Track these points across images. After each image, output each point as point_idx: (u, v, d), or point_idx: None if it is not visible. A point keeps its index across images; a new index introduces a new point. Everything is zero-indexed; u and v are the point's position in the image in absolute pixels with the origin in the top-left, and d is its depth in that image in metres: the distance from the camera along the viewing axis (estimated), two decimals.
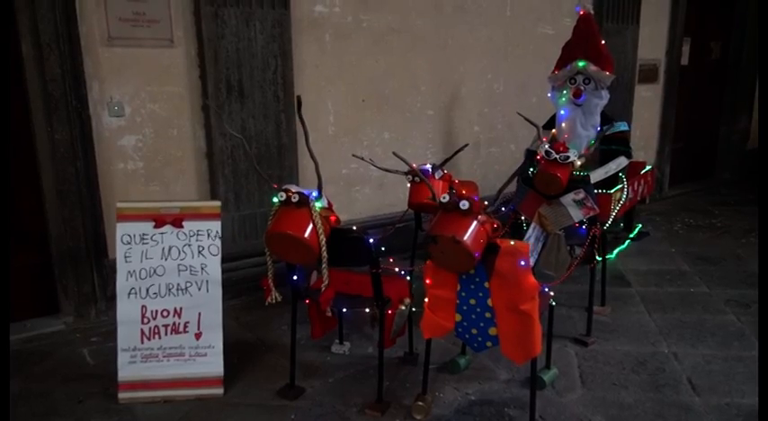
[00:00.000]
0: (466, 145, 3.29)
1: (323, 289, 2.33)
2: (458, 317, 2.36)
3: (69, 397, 2.65)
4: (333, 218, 2.29)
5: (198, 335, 2.68)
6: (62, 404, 2.59)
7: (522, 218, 3.26)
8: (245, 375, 2.83)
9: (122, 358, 2.63)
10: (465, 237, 1.98)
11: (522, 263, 2.11)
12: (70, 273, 3.42)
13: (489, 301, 2.26)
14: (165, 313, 2.67)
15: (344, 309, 2.70)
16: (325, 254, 2.22)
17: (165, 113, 3.62)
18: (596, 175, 3.92)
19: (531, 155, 4.40)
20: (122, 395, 2.62)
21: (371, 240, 2.42)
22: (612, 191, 4.13)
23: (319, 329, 2.80)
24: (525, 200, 3.21)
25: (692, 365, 2.92)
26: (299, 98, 2.47)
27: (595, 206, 3.01)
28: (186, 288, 2.68)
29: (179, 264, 2.68)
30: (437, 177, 3.23)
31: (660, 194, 6.35)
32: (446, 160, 3.26)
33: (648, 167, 4.87)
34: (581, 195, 2.99)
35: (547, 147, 2.95)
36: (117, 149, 3.50)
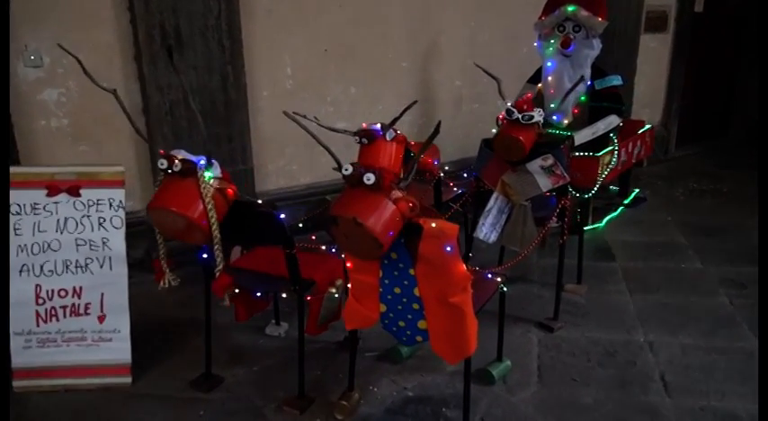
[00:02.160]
0: (414, 102, 2.86)
1: (216, 274, 1.99)
2: (382, 308, 2.01)
3: None
4: (230, 190, 1.92)
5: (101, 318, 2.37)
6: None
7: (486, 186, 2.86)
8: (163, 361, 2.54)
9: (16, 343, 2.34)
10: (369, 219, 1.60)
11: (448, 248, 1.74)
12: None
13: (416, 291, 1.90)
14: (62, 293, 2.36)
15: (258, 294, 2.36)
16: (216, 233, 1.86)
17: (92, 64, 3.15)
18: (582, 136, 3.49)
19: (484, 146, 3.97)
20: (17, 383, 2.35)
21: (283, 216, 2.06)
22: (600, 154, 3.72)
23: (243, 312, 2.48)
24: (487, 166, 2.80)
25: (668, 358, 2.55)
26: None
27: (566, 174, 2.60)
28: (86, 265, 2.36)
29: (77, 238, 2.35)
30: (388, 138, 2.83)
31: (665, 155, 5.86)
32: (395, 119, 2.84)
33: (647, 126, 4.40)
34: (549, 161, 2.58)
35: (508, 105, 2.52)
36: (37, 104, 3.14)
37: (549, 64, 3.79)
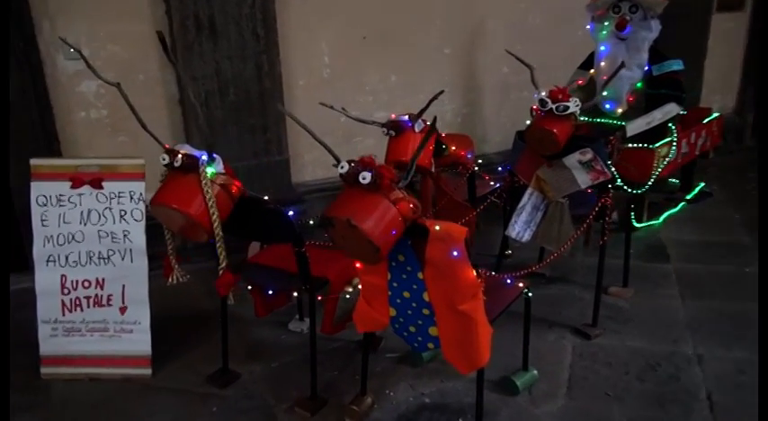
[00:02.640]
0: (441, 91, 2.70)
1: (220, 272, 1.94)
2: (392, 312, 1.90)
3: None
4: (234, 186, 1.86)
5: (123, 310, 2.39)
6: None
7: (521, 181, 2.67)
8: (184, 354, 2.54)
9: (43, 330, 2.40)
10: (364, 221, 1.49)
11: (455, 253, 1.60)
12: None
13: (425, 296, 1.78)
14: (86, 284, 2.39)
15: (270, 292, 2.30)
16: (218, 230, 1.81)
17: (129, 55, 3.26)
18: (635, 126, 3.23)
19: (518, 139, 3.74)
20: (45, 370, 2.41)
21: (291, 213, 1.98)
22: (656, 145, 3.44)
23: (262, 307, 2.44)
24: (521, 159, 2.62)
25: (717, 374, 2.31)
26: (159, 33, 1.92)
27: (606, 170, 2.38)
28: (109, 257, 2.38)
29: (99, 230, 2.37)
30: (417, 130, 2.69)
31: (738, 146, 5.39)
32: (423, 109, 2.71)
33: (715, 115, 4.04)
34: (588, 156, 2.37)
35: (542, 95, 2.33)
36: (76, 96, 3.21)
37: (602, 48, 3.53)
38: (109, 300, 2.39)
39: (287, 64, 3.58)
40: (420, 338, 1.90)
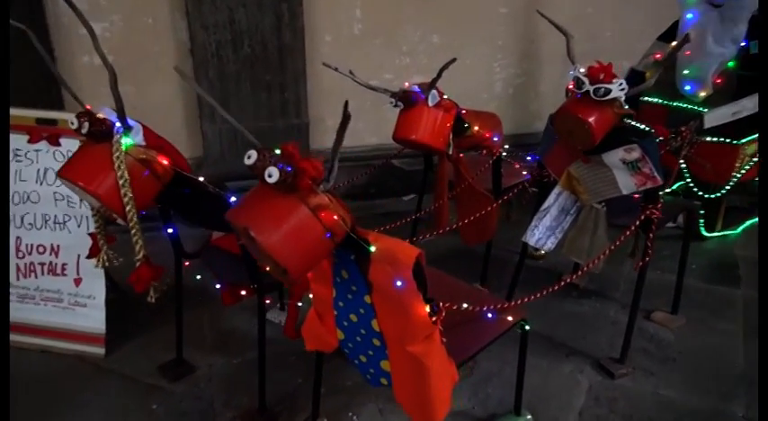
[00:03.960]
0: (453, 59, 2.21)
1: (137, 265, 1.62)
2: (340, 335, 1.53)
3: None
4: (159, 164, 1.51)
5: (77, 281, 2.17)
6: None
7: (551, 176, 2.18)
8: (143, 336, 2.30)
9: None
10: (264, 233, 1.11)
11: (399, 283, 1.20)
12: None
13: (375, 324, 1.39)
14: (41, 249, 2.18)
15: (218, 286, 1.97)
16: (133, 216, 1.48)
17: None
18: (717, 115, 2.62)
19: (634, 78, 3.16)
20: None
21: (234, 199, 1.63)
22: (743, 141, 2.81)
23: (228, 295, 2.13)
24: (553, 149, 2.12)
25: None
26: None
27: (656, 174, 1.86)
28: (64, 222, 2.15)
29: (55, 192, 2.13)
30: (431, 104, 2.24)
31: None
32: (435, 78, 2.24)
33: None
34: (635, 154, 1.85)
35: (579, 71, 1.81)
36: (79, 39, 2.97)
37: (689, 16, 2.89)
38: (63, 269, 2.17)
39: (311, 16, 3.18)
40: (372, 370, 1.52)
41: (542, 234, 2.12)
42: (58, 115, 2.15)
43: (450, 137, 2.39)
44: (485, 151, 2.46)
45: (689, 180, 2.94)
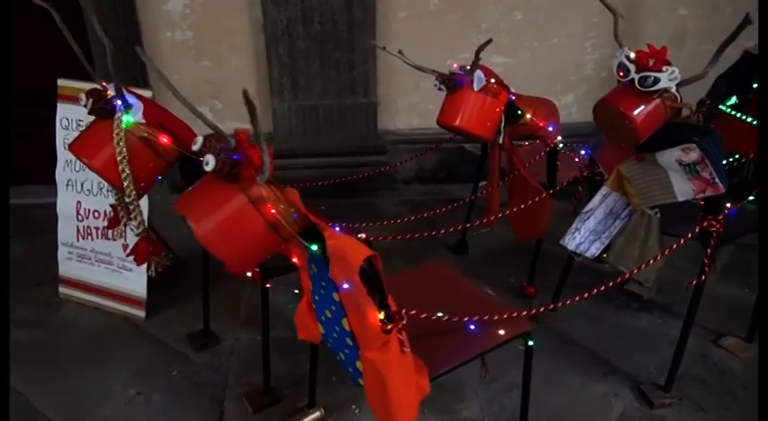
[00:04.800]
0: (489, 40, 1.99)
1: (137, 240, 1.66)
2: (320, 329, 1.47)
3: (33, 277, 2.58)
4: (161, 140, 1.52)
5: (125, 247, 2.30)
6: (23, 281, 2.52)
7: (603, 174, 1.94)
8: (187, 303, 2.39)
9: (62, 252, 2.43)
10: (200, 222, 1.06)
11: (345, 286, 1.11)
12: None
13: (345, 323, 1.32)
14: (96, 214, 2.33)
15: None
16: (131, 192, 1.52)
17: None
18: None
19: (749, 61, 2.74)
20: (62, 290, 2.45)
21: None
22: None
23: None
24: (605, 144, 1.88)
25: None
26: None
27: (719, 180, 1.58)
28: None
29: None
30: (476, 88, 2.07)
31: None
32: (475, 61, 2.04)
33: None
34: (693, 155, 1.58)
35: (625, 54, 1.56)
36: (163, 15, 3.11)
37: None
38: (114, 234, 2.31)
39: None
40: (351, 369, 1.45)
41: (585, 238, 1.90)
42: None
43: (502, 124, 2.22)
44: (538, 141, 2.26)
45: None
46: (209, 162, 1.06)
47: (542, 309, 1.61)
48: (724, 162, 2.66)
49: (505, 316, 1.47)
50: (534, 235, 2.36)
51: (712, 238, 1.66)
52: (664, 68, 1.48)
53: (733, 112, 2.71)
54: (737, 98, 2.72)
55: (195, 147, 1.14)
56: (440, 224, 2.25)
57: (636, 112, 1.51)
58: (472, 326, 1.35)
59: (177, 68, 3.22)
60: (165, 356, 2.13)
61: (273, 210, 1.09)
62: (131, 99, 1.51)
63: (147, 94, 2.18)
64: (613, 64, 1.60)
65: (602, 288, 1.64)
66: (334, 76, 3.18)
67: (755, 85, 2.73)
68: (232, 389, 1.96)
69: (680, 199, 1.67)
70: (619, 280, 1.72)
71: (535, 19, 3.22)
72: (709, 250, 1.68)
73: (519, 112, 2.19)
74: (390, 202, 3.34)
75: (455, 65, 2.18)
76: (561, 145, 2.21)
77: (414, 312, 1.24)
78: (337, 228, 1.88)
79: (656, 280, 2.38)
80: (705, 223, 1.65)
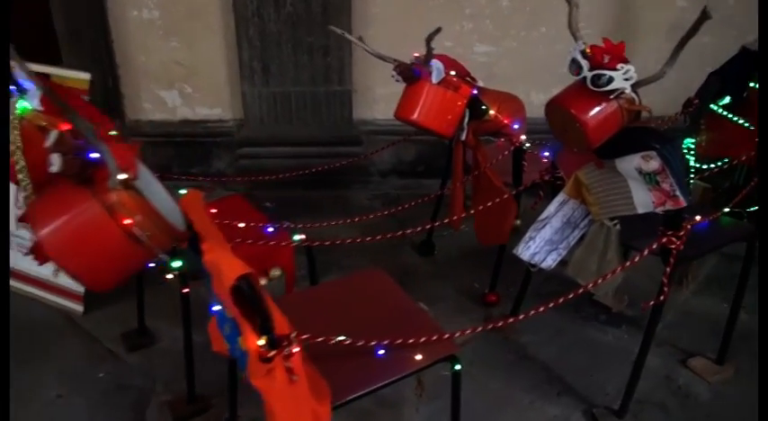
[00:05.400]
0: (438, 29, 1.81)
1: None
2: (226, 344, 1.34)
3: None
4: (57, 127, 1.38)
5: None
6: None
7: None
8: (128, 300, 2.27)
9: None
10: (42, 229, 0.93)
11: (216, 307, 0.98)
12: None
13: (241, 342, 1.18)
14: None
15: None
16: (25, 183, 1.38)
17: None
18: None
19: (744, 58, 2.55)
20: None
21: None
22: None
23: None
24: (564, 148, 1.71)
25: None
26: None
27: (680, 193, 1.41)
28: None
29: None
30: (434, 81, 1.91)
31: None
32: (428, 52, 1.88)
33: None
34: (653, 164, 1.42)
35: (579, 50, 1.39)
36: None
37: None
38: None
39: None
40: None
41: (540, 248, 1.74)
42: (55, 71, 2.12)
43: (466, 120, 2.06)
44: (503, 139, 2.09)
45: None
46: (54, 163, 0.93)
47: (490, 326, 1.45)
48: (712, 165, 2.50)
49: (434, 337, 1.32)
50: (497, 239, 2.20)
51: (672, 256, 1.50)
52: (618, 66, 1.30)
53: (725, 113, 2.53)
54: (731, 98, 2.53)
55: (47, 144, 1.00)
56: (411, 221, 2.10)
57: (587, 115, 1.35)
58: (381, 351, 1.21)
59: (144, 49, 3.08)
60: (95, 355, 2.02)
61: (128, 221, 0.95)
62: (27, 83, 1.37)
63: (83, 76, 2.05)
64: (567, 59, 1.43)
65: (561, 300, 1.49)
66: (307, 62, 3.02)
67: (753, 84, 2.55)
68: (158, 396, 1.85)
69: (640, 211, 1.51)
70: (581, 291, 1.57)
71: (523, 6, 3.03)
72: (668, 269, 1.52)
73: (483, 108, 2.03)
74: (365, 196, 3.19)
75: (415, 54, 2.02)
76: (528, 144, 2.04)
77: (307, 336, 1.10)
78: (270, 229, 1.76)
79: (628, 291, 2.24)
80: (664, 239, 1.48)
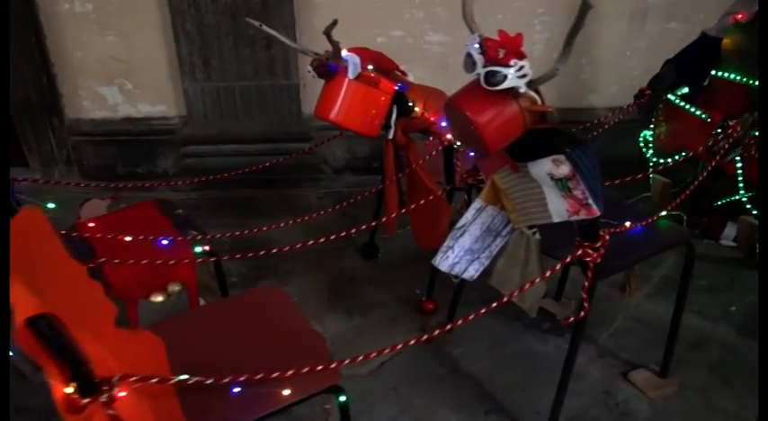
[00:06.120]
0: (334, 22, 1.67)
1: None
2: None
3: None
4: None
5: None
6: None
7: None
8: None
9: None
10: None
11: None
12: (29, 128, 3.06)
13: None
14: None
15: None
16: None
17: None
18: None
19: (704, 45, 2.41)
20: None
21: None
22: None
23: None
24: None
25: None
26: None
27: (592, 201, 1.27)
28: None
29: None
30: (351, 76, 1.76)
31: None
32: (336, 46, 1.73)
33: None
34: (563, 169, 1.27)
35: (475, 43, 1.24)
36: None
37: None
38: None
39: None
40: None
41: (460, 258, 1.60)
42: None
43: (393, 117, 1.92)
44: (432, 137, 1.95)
45: (744, 192, 2.19)
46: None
47: (412, 342, 1.31)
48: (671, 160, 2.35)
49: (319, 367, 1.19)
50: (433, 242, 2.05)
51: (589, 269, 1.36)
52: (512, 62, 1.15)
53: (683, 104, 2.38)
54: (690, 87, 2.38)
55: None
56: (363, 220, 1.97)
57: (482, 117, 1.20)
58: (237, 389, 1.08)
59: (80, 44, 2.94)
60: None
61: None
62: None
63: None
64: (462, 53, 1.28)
65: (483, 310, 1.35)
66: (249, 55, 2.87)
67: (716, 73, 2.39)
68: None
69: (555, 220, 1.37)
70: (505, 299, 1.44)
71: None
72: (586, 283, 1.38)
73: (410, 104, 1.88)
74: (315, 195, 3.06)
75: (344, 49, 1.87)
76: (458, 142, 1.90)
77: (136, 378, 0.97)
78: (165, 242, 1.63)
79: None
80: (580, 251, 1.35)
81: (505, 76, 1.15)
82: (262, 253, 1.62)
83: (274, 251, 1.63)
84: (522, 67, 1.15)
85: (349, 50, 1.80)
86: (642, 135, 2.53)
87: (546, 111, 1.23)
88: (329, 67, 1.78)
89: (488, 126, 1.20)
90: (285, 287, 2.29)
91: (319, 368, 1.16)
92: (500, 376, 1.84)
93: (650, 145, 2.52)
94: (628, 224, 1.51)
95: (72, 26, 2.88)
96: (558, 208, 1.35)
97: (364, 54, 1.82)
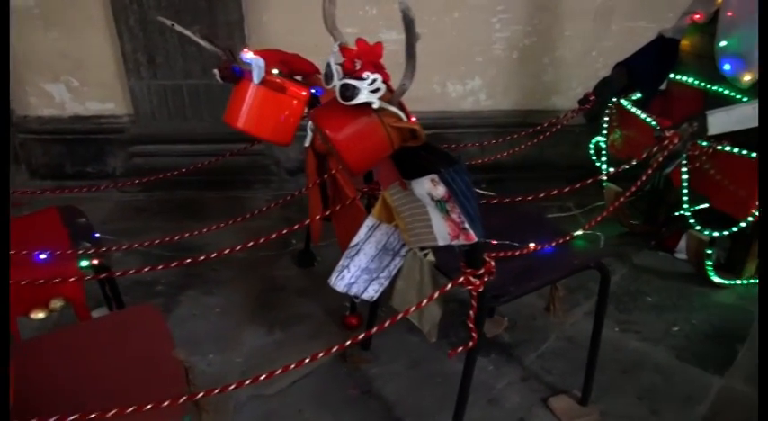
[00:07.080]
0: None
1: None
2: None
3: None
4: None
5: None
6: None
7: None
8: None
9: None
10: None
11: None
12: None
13: None
14: None
15: None
16: None
17: None
18: (732, 118, 1.78)
19: (660, 47, 2.29)
20: None
21: None
22: None
23: None
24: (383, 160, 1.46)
25: None
26: None
27: (469, 226, 1.16)
28: None
29: None
30: (257, 81, 1.66)
31: None
32: (229, 53, 1.63)
33: None
34: (439, 190, 1.16)
35: (333, 52, 1.13)
36: None
37: None
38: None
39: None
40: None
41: (356, 278, 1.50)
42: None
43: (310, 123, 1.82)
44: None
45: (687, 206, 2.06)
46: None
47: (321, 355, 1.20)
48: (620, 168, 2.22)
49: (166, 403, 1.10)
50: None
51: (473, 298, 1.25)
52: (364, 75, 1.04)
53: (635, 111, 2.25)
54: (643, 92, 2.25)
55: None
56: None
57: (340, 134, 1.09)
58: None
59: (24, 39, 2.86)
60: None
61: None
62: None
63: None
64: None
65: (387, 323, 1.25)
66: (196, 52, 2.78)
67: (675, 77, 2.26)
68: None
69: (440, 243, 1.26)
70: (399, 316, 1.34)
71: None
72: (471, 312, 1.27)
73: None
74: (264, 197, 2.96)
75: (248, 52, 1.76)
76: None
77: None
78: (43, 257, 1.54)
79: (511, 312, 2.02)
80: (462, 278, 1.24)
81: (358, 90, 1.04)
82: (188, 261, 1.53)
83: (202, 258, 1.54)
84: (374, 81, 1.04)
85: (256, 53, 1.69)
86: (594, 141, 2.40)
87: (413, 129, 1.12)
88: (233, 71, 1.68)
89: (346, 143, 1.10)
90: (211, 296, 2.21)
91: (165, 403, 1.07)
92: (413, 399, 1.74)
93: (603, 152, 2.39)
94: (532, 246, 1.40)
95: (15, 21, 2.80)
96: (441, 231, 1.24)
97: (273, 56, 1.71)
